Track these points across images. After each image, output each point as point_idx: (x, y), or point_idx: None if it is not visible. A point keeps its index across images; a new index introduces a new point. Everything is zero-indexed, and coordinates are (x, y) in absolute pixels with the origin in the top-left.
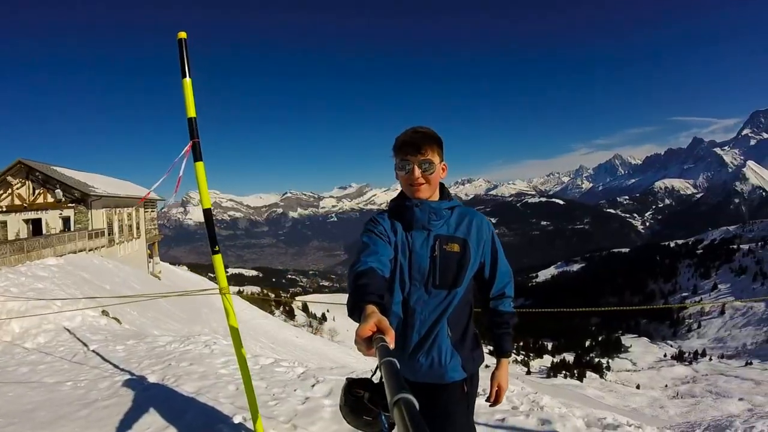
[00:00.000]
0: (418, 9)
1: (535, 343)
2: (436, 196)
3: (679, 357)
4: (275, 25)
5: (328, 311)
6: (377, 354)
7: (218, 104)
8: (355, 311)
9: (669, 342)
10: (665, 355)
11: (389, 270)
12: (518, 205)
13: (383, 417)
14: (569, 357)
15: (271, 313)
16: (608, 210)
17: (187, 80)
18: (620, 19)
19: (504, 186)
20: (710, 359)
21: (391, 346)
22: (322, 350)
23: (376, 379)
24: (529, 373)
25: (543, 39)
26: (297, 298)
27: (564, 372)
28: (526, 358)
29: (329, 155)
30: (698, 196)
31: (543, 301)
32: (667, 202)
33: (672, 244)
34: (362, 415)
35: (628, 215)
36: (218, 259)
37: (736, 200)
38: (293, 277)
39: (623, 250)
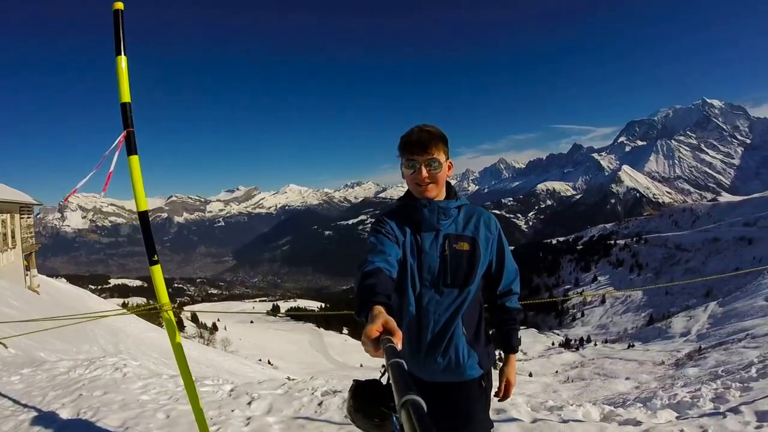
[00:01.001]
0: (303, 6)
1: None
2: (442, 195)
3: (566, 344)
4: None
5: (219, 320)
6: (384, 355)
7: None
8: (362, 312)
9: (556, 331)
10: (553, 344)
11: (397, 270)
12: None
13: (395, 418)
14: None
15: (159, 325)
16: (494, 211)
17: (122, 58)
18: (504, 28)
19: (393, 189)
20: (595, 344)
21: (399, 347)
22: (217, 362)
23: (384, 381)
24: None
25: (427, 45)
26: (185, 307)
27: None
28: None
29: (216, 156)
30: (578, 197)
31: None
32: (549, 203)
33: (554, 242)
34: (372, 418)
35: (512, 216)
36: (157, 271)
37: (613, 201)
38: (180, 285)
39: (509, 248)
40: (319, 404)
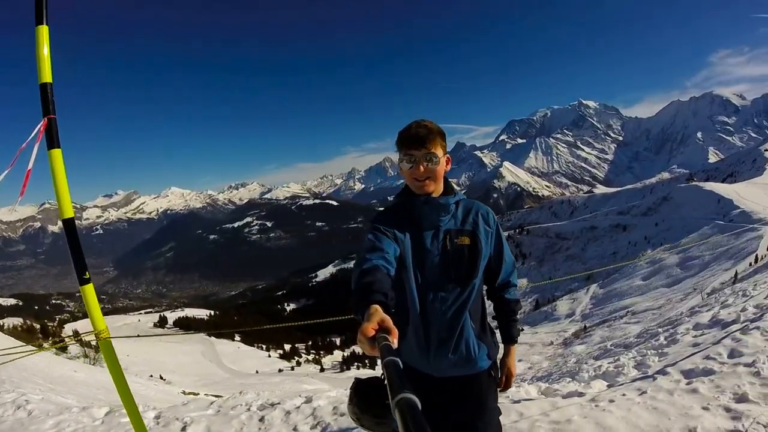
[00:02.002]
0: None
1: (323, 340)
2: (440, 190)
3: None
4: None
5: None
6: (380, 353)
7: None
8: (359, 310)
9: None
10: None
11: (395, 268)
12: (293, 207)
13: None
14: (359, 349)
15: (39, 346)
16: (380, 208)
17: (44, 28)
18: (389, 29)
19: (278, 189)
20: None
21: (395, 345)
22: (107, 383)
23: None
24: (322, 370)
25: (315, 41)
26: (66, 325)
27: (357, 363)
28: (317, 357)
29: (92, 159)
30: (462, 193)
31: (326, 299)
32: None
33: None
34: (373, 415)
35: None
36: (90, 291)
37: (495, 195)
38: (58, 301)
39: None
40: (261, 420)
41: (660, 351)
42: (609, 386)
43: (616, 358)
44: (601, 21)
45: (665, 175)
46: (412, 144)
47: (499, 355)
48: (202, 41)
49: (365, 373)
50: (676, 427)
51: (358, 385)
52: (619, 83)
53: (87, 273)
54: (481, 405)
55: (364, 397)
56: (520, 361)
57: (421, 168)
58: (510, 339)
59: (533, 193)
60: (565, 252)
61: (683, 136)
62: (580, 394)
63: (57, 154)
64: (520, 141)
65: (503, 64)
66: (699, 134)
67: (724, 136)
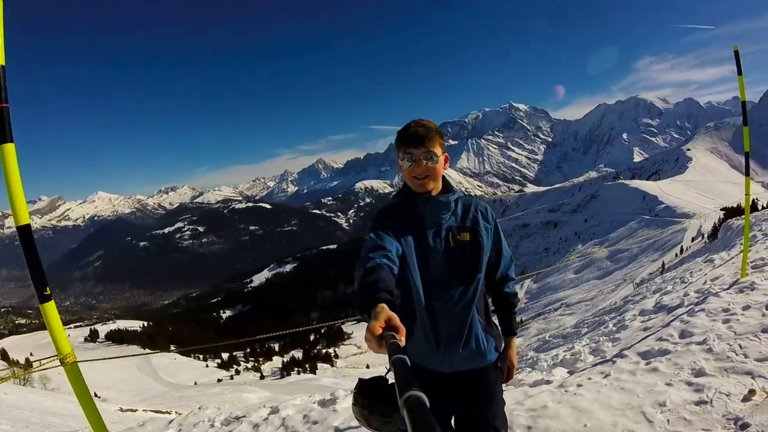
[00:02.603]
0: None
1: (262, 347)
2: (439, 188)
3: None
4: None
5: (32, 354)
6: (387, 351)
7: None
8: (365, 309)
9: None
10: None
11: (398, 266)
12: (225, 211)
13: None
14: (298, 354)
15: None
16: (314, 211)
17: None
18: (322, 29)
19: (210, 193)
20: None
21: (402, 343)
22: (41, 404)
23: (390, 377)
24: (262, 377)
25: (245, 45)
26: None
27: (296, 369)
28: (256, 364)
29: None
30: (395, 193)
31: (262, 304)
32: (368, 200)
33: None
34: (381, 414)
35: (332, 214)
36: (51, 309)
37: None
38: None
39: (331, 246)
40: None
41: (612, 337)
42: (570, 373)
43: (571, 345)
44: (532, 27)
45: (593, 174)
46: (412, 143)
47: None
48: (122, 34)
49: (305, 378)
50: (646, 403)
51: (363, 386)
52: (549, 87)
53: (47, 289)
54: (491, 396)
55: (370, 397)
56: None
57: (421, 167)
58: (510, 331)
59: (466, 194)
60: None
61: (609, 137)
62: (547, 382)
63: (10, 149)
64: (452, 142)
65: (435, 66)
66: (624, 135)
67: (648, 137)
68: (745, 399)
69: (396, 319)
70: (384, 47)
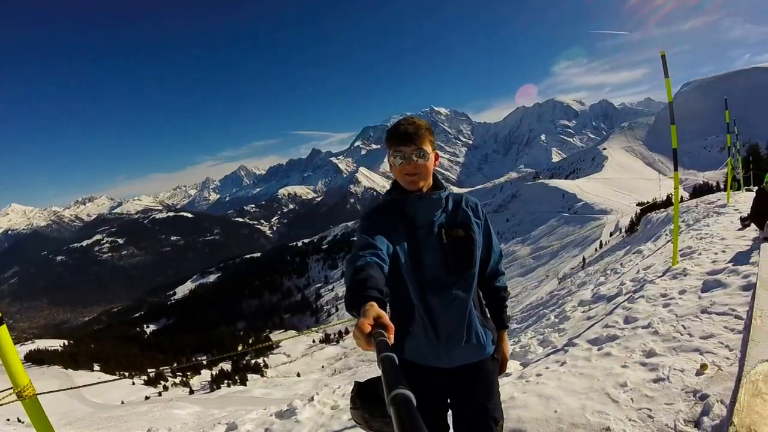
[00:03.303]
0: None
1: (189, 361)
2: (429, 185)
3: (327, 339)
4: None
5: None
6: (376, 349)
7: None
8: (354, 306)
9: (314, 329)
10: (314, 341)
11: (388, 265)
12: (146, 222)
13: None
14: (227, 366)
15: None
16: (237, 219)
17: None
18: (240, 37)
19: (129, 203)
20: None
21: (391, 341)
22: None
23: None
24: (192, 392)
25: (160, 51)
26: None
27: (226, 381)
28: (184, 379)
29: None
30: (319, 199)
31: (186, 317)
32: (291, 207)
33: (300, 244)
34: (383, 415)
35: (256, 222)
36: (5, 335)
37: (352, 200)
38: None
39: (255, 255)
40: None
41: (557, 328)
42: (524, 365)
43: (517, 339)
44: (452, 32)
45: (513, 174)
46: (402, 141)
47: None
48: (35, 32)
49: (236, 390)
50: (608, 385)
51: (361, 389)
52: (469, 91)
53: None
54: (491, 388)
55: (371, 399)
56: None
57: (412, 165)
58: (503, 325)
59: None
60: None
61: (528, 139)
62: (507, 374)
63: None
64: (374, 147)
65: (357, 71)
66: (543, 137)
67: (565, 137)
68: (699, 373)
69: (385, 317)
70: (307, 52)
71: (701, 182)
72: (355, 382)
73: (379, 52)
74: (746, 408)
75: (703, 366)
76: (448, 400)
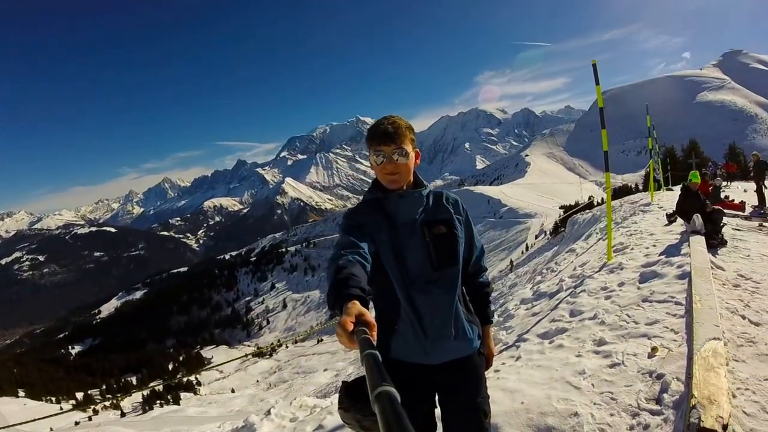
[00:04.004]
0: None
1: (119, 382)
2: (410, 183)
3: (260, 353)
4: None
5: None
6: (359, 347)
7: None
8: (337, 305)
9: (246, 343)
10: (247, 355)
11: (370, 264)
12: (67, 237)
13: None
14: (158, 385)
15: None
16: (162, 233)
17: None
18: (159, 47)
19: (50, 218)
20: (287, 347)
21: (374, 339)
22: None
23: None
24: (123, 415)
25: (79, 50)
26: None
27: (159, 401)
28: (114, 401)
29: None
30: (245, 211)
31: (113, 336)
32: (218, 219)
33: (227, 257)
34: (370, 415)
35: (182, 235)
36: None
37: (279, 211)
38: None
39: (182, 269)
40: None
41: (503, 326)
42: None
43: None
44: (378, 44)
45: (439, 182)
46: (383, 140)
47: None
48: None
49: (169, 410)
50: (567, 374)
51: (350, 389)
52: (395, 101)
53: None
54: (479, 382)
55: (360, 398)
56: (325, 370)
57: (392, 164)
58: (488, 320)
59: (316, 207)
60: None
61: (453, 147)
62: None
63: None
64: (301, 157)
65: (283, 81)
66: (467, 144)
67: (489, 145)
68: (651, 356)
69: (368, 315)
70: (231, 60)
71: (620, 184)
72: (342, 381)
73: (306, 62)
74: (703, 382)
75: (654, 349)
76: (436, 397)
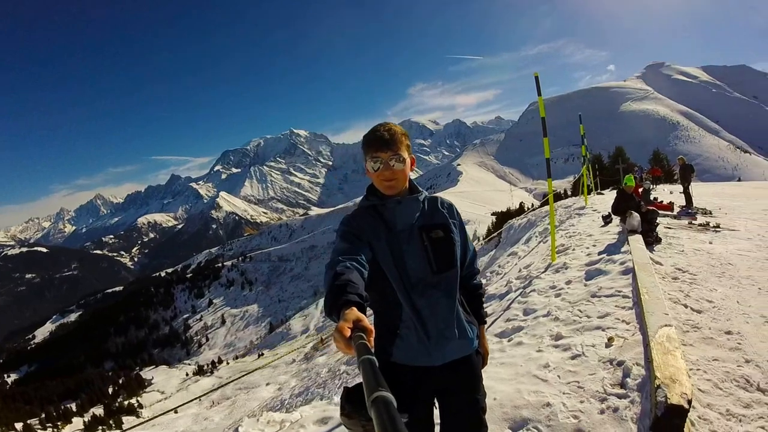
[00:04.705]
0: None
1: (57, 409)
2: (406, 189)
3: (201, 371)
4: None
5: None
6: (356, 352)
7: None
8: (334, 311)
9: (186, 362)
10: (188, 374)
11: (367, 270)
12: None
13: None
14: (99, 410)
15: None
16: (95, 251)
17: None
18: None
19: None
20: (228, 363)
21: (371, 344)
22: None
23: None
24: None
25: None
26: None
27: (100, 427)
28: (54, 429)
29: None
30: (180, 226)
31: (50, 362)
32: (152, 235)
33: (163, 274)
34: (371, 420)
35: (115, 254)
36: None
37: (214, 226)
38: None
39: (117, 288)
40: None
41: None
42: None
43: None
44: (311, 57)
45: None
46: (380, 147)
47: None
48: None
49: None
50: (533, 369)
51: (350, 394)
52: (328, 113)
53: None
54: (479, 381)
55: (363, 404)
56: (268, 384)
57: (389, 170)
58: (482, 320)
59: (252, 221)
60: (290, 273)
61: None
62: None
63: None
64: (235, 171)
65: (215, 94)
66: None
67: (422, 155)
68: (608, 345)
69: (365, 321)
70: (162, 72)
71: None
72: (344, 387)
73: (239, 75)
74: (663, 364)
75: (611, 339)
76: (434, 399)
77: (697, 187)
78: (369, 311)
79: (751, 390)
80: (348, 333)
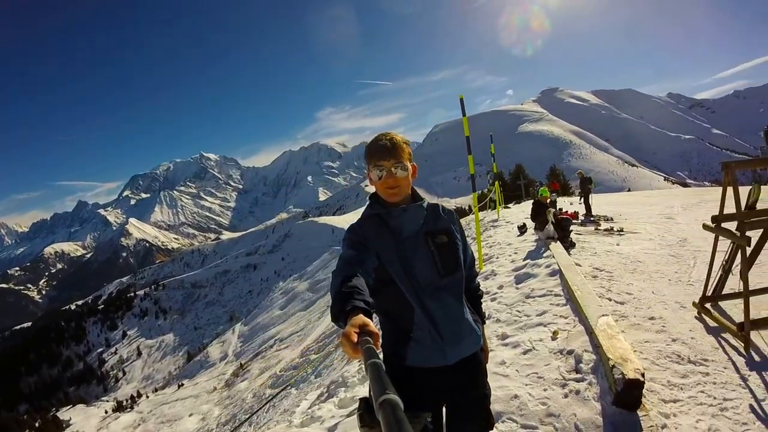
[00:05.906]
0: None
1: None
2: (409, 196)
3: (120, 407)
4: None
5: None
6: (363, 356)
7: None
8: (340, 317)
9: (104, 398)
10: (107, 412)
11: (373, 278)
12: None
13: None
14: None
15: None
16: (1, 285)
17: None
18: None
19: None
20: (147, 396)
21: (378, 348)
22: None
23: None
24: None
25: None
26: None
27: None
28: None
29: None
30: (88, 255)
31: None
32: (60, 266)
33: (73, 306)
34: None
35: (22, 287)
36: None
37: (124, 254)
38: None
39: (26, 325)
40: None
41: None
42: None
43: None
44: (220, 81)
45: (284, 215)
46: (382, 155)
47: None
48: None
49: None
50: (492, 367)
51: (369, 404)
52: (238, 137)
53: None
54: (485, 377)
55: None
56: (191, 415)
57: (392, 178)
58: (483, 320)
59: (163, 247)
60: (204, 299)
61: (296, 180)
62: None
63: None
64: (144, 196)
65: (122, 117)
66: (310, 178)
67: (330, 177)
68: (554, 338)
69: (371, 325)
70: (66, 98)
71: (455, 207)
72: (360, 398)
73: (146, 98)
74: (611, 347)
75: (555, 332)
76: (443, 398)
77: (594, 198)
78: (374, 318)
79: (684, 363)
80: (355, 338)
